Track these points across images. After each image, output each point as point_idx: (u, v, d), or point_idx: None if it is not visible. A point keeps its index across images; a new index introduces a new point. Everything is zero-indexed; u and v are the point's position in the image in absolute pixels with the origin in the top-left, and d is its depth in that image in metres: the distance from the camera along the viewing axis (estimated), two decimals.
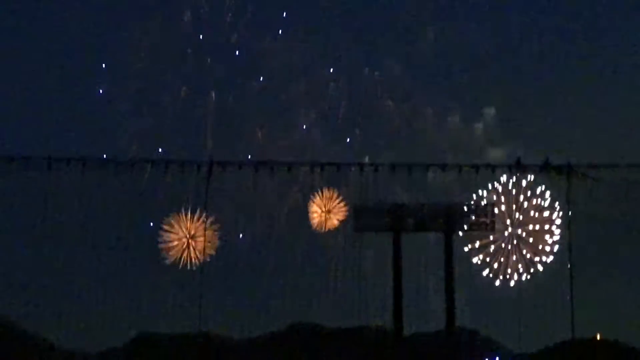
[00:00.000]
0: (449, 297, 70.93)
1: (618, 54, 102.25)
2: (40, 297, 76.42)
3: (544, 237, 76.55)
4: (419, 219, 71.61)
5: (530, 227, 76.90)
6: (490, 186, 76.71)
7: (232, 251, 78.55)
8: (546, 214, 76.72)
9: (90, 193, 74.39)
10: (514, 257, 76.69)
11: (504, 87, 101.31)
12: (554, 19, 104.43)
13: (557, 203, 76.28)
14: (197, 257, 77.61)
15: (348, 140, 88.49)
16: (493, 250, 76.69)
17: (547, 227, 76.64)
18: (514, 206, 76.80)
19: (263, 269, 78.55)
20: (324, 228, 79.24)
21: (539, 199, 76.74)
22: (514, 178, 76.64)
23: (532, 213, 76.89)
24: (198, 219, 77.87)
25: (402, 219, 71.52)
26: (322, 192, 78.71)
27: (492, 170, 76.19)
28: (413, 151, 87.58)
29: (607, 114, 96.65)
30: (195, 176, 73.76)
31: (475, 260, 76.39)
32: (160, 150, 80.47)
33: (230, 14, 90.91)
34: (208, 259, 77.62)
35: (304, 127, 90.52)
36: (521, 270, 76.51)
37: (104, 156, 74.18)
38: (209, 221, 77.43)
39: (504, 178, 76.68)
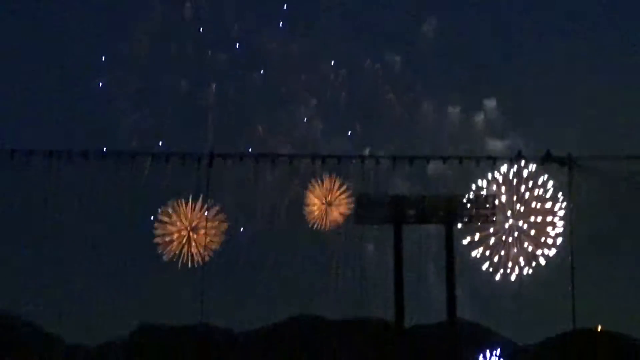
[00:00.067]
0: (449, 289, 70.67)
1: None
2: (42, 290, 76.66)
3: (545, 229, 75.88)
4: (419, 210, 71.33)
5: (532, 219, 76.28)
6: (490, 176, 76.13)
7: (234, 243, 78.18)
8: (548, 205, 76.11)
9: (91, 186, 74.48)
10: (515, 250, 76.19)
11: (504, 78, 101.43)
12: (552, 13, 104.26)
13: (560, 194, 75.76)
14: (198, 252, 74.13)
15: (349, 132, 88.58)
16: (494, 243, 76.09)
17: (549, 219, 75.98)
18: (515, 197, 76.24)
19: (264, 261, 78.54)
20: (324, 223, 76.81)
21: (541, 189, 76.09)
22: (515, 168, 76.14)
23: (533, 204, 76.21)
24: (200, 209, 74.61)
25: (403, 211, 71.13)
26: (321, 182, 76.53)
27: (493, 162, 75.97)
28: (414, 143, 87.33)
29: (608, 108, 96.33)
30: (196, 168, 73.64)
31: (474, 254, 75.47)
32: (160, 143, 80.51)
33: (230, 7, 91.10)
34: (211, 255, 74.82)
35: (305, 119, 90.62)
36: (522, 263, 75.77)
37: (105, 149, 74.23)
38: (212, 212, 74.57)
39: (504, 168, 76.07)
